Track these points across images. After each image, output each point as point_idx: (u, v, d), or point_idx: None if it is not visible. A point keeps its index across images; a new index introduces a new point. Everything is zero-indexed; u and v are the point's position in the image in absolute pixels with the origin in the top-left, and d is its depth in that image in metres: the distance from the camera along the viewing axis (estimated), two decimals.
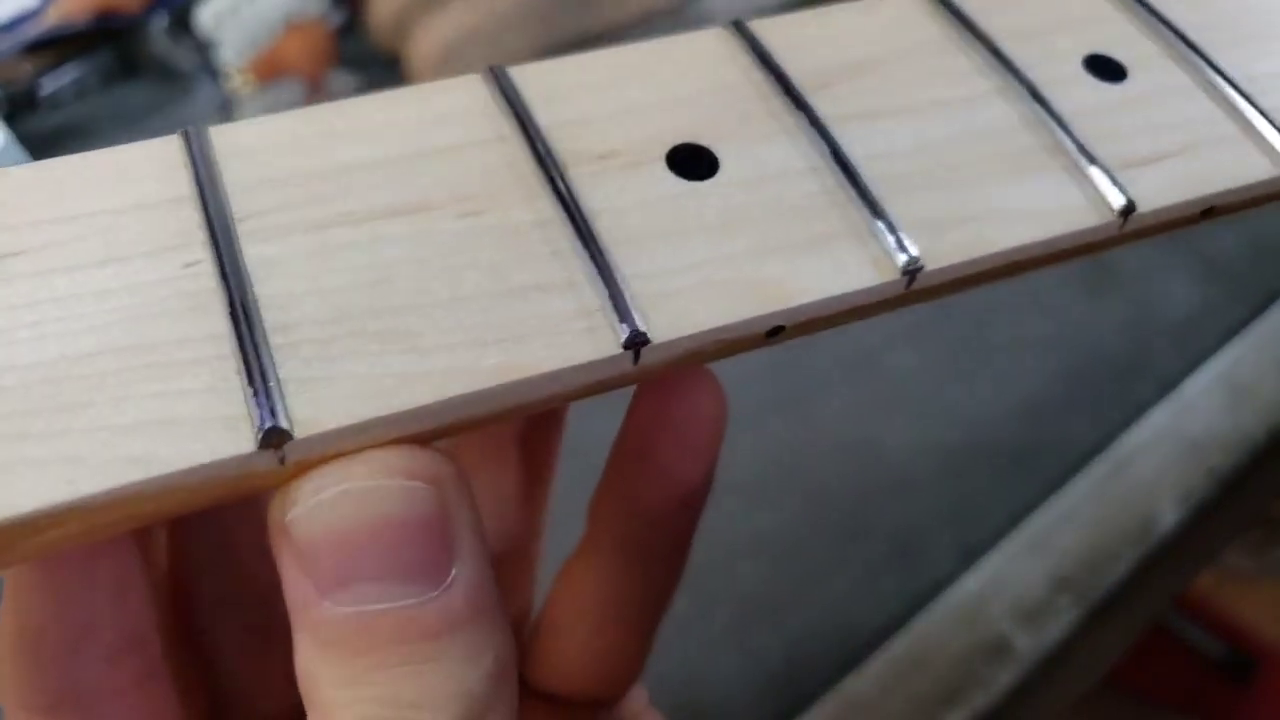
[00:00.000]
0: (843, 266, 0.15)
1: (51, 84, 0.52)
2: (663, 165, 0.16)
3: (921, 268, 0.15)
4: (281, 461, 0.13)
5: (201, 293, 0.13)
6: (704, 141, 0.16)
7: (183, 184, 0.14)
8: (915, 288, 0.15)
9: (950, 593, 0.35)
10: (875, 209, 0.15)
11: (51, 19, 0.52)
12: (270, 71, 0.52)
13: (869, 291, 0.15)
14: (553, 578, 0.22)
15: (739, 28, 0.18)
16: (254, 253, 0.14)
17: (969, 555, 0.36)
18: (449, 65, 0.52)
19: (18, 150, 0.47)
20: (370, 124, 0.15)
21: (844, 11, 0.18)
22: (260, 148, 0.15)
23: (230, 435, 0.12)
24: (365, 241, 0.14)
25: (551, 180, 0.15)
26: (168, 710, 0.18)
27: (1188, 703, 0.75)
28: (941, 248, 0.15)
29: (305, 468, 0.13)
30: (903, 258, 0.15)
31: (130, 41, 0.54)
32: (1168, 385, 0.41)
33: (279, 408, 0.12)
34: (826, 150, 0.16)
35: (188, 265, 0.13)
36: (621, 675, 0.22)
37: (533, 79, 0.16)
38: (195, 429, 0.12)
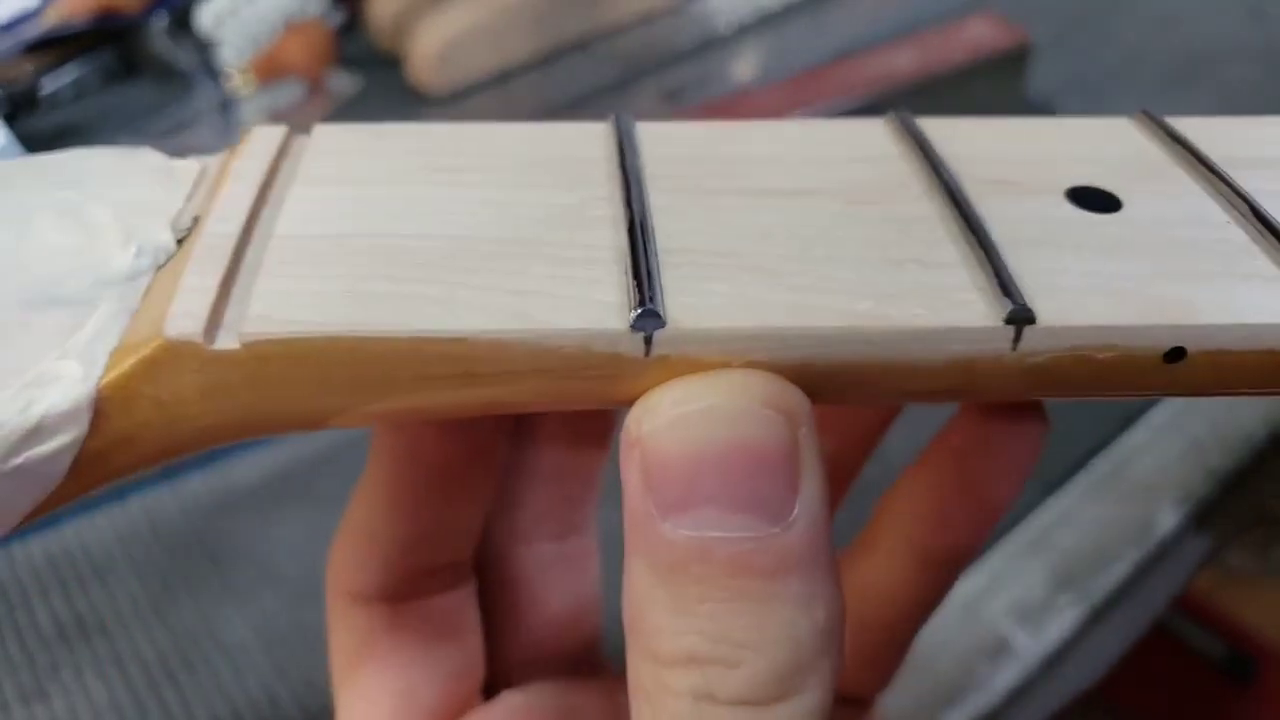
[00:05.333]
0: (1264, 300, 0.14)
1: (51, 84, 0.52)
2: (1061, 197, 0.16)
3: None
4: (647, 351, 0.13)
5: (604, 218, 0.15)
6: (1108, 187, 0.16)
7: (608, 148, 0.17)
8: None
9: (950, 592, 0.35)
10: None
11: (51, 19, 0.52)
12: (270, 71, 0.52)
13: None
14: None
15: (1150, 117, 0.17)
16: (656, 200, 0.15)
17: None
18: (449, 64, 0.52)
19: (17, 151, 0.47)
20: (775, 134, 0.17)
21: (1269, 120, 0.18)
22: (676, 137, 0.17)
23: (607, 314, 0.13)
24: (752, 208, 0.15)
25: (945, 186, 0.15)
26: (465, 623, 0.20)
27: (1187, 703, 0.75)
28: None
29: (666, 371, 0.13)
30: None
31: (130, 42, 0.54)
32: None
33: (658, 298, 0.13)
34: (1246, 209, 0.15)
35: (597, 198, 0.15)
36: (872, 680, 0.22)
37: (935, 125, 0.17)
38: (576, 305, 0.13)
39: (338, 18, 0.56)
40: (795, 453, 0.13)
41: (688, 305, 0.13)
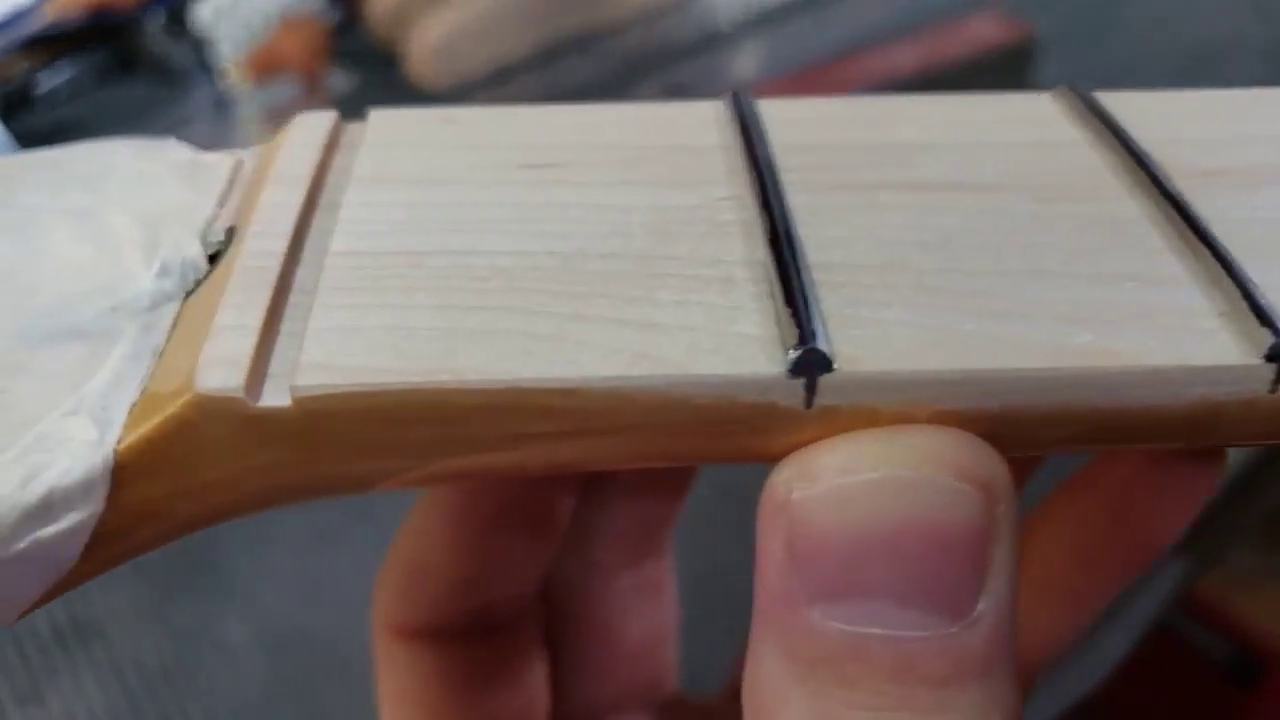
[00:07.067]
0: None
1: (47, 81, 0.52)
2: None
3: None
4: (808, 403, 0.11)
5: (735, 223, 0.12)
6: None
7: (727, 136, 0.14)
8: None
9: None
10: None
11: (47, 16, 0.52)
12: (267, 68, 0.52)
13: None
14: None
15: None
16: (795, 200, 0.13)
17: None
18: (448, 61, 0.52)
19: (13, 149, 0.46)
20: (931, 114, 0.15)
21: None
22: (807, 119, 0.14)
23: (754, 353, 0.11)
24: (920, 207, 0.13)
25: (1153, 180, 0.13)
26: (525, 662, 0.19)
27: (1192, 706, 0.75)
28: None
29: (830, 426, 0.11)
30: None
31: (126, 39, 0.54)
32: None
33: (820, 333, 0.11)
34: None
35: (722, 198, 0.13)
36: None
37: (1119, 102, 0.15)
38: (714, 341, 0.11)
39: (335, 14, 0.56)
40: (989, 536, 0.11)
41: (859, 340, 0.11)
